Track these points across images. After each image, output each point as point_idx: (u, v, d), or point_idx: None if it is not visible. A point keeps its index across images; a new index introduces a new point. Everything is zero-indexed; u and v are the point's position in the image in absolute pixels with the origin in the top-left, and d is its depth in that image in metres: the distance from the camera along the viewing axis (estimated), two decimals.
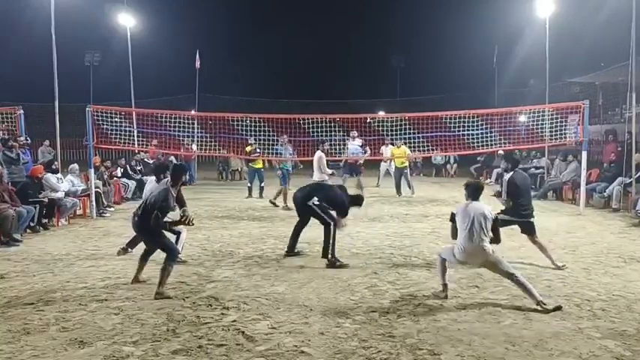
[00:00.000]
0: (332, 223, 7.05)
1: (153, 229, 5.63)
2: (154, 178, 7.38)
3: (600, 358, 4.10)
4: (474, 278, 6.26)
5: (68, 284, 6.09)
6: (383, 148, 15.89)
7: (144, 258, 6.03)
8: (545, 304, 5.09)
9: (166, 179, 5.94)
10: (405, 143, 14.37)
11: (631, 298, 5.51)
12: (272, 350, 4.23)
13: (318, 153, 11.33)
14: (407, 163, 15.09)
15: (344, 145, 15.11)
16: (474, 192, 5.62)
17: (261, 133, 14.36)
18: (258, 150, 14.26)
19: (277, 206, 12.20)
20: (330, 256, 6.89)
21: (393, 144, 15.15)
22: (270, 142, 14.46)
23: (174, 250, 5.85)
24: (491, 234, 5.38)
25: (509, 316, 4.97)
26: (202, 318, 4.93)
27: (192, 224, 5.86)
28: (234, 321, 4.86)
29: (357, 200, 7.64)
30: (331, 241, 6.94)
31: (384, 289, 5.87)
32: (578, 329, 4.64)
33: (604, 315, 5.00)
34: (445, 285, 5.59)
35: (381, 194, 14.62)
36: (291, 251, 7.49)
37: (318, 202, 7.16)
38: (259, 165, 14.54)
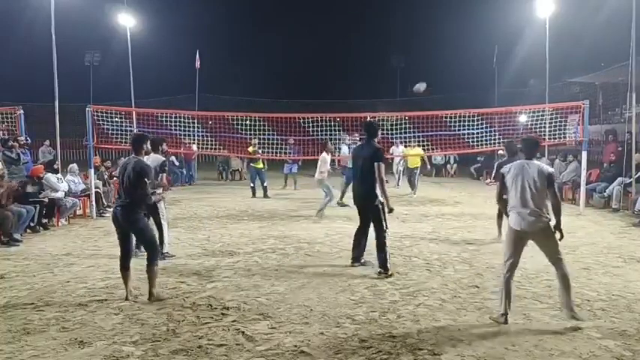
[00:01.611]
0: (386, 230, 6.55)
1: (139, 216, 5.37)
2: (151, 154, 7.39)
3: (600, 358, 4.10)
4: (473, 278, 6.27)
5: (68, 284, 6.09)
6: (393, 148, 15.88)
7: (125, 267, 5.52)
8: (577, 317, 4.70)
9: (130, 156, 5.63)
10: (407, 142, 14.44)
11: (631, 298, 5.51)
12: (272, 350, 4.22)
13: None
14: (419, 164, 15.20)
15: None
16: (529, 148, 4.95)
17: (262, 132, 14.40)
18: (259, 150, 14.30)
19: (347, 205, 11.09)
20: (388, 264, 6.43)
21: (405, 144, 15.21)
22: (271, 142, 14.51)
23: (157, 246, 5.69)
24: (549, 197, 4.73)
25: (510, 316, 4.97)
26: (202, 318, 4.93)
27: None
28: (234, 321, 4.86)
29: (374, 131, 6.86)
30: (388, 249, 6.50)
31: (384, 289, 5.87)
32: (578, 329, 4.63)
33: (604, 315, 5.00)
34: (506, 314, 4.78)
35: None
36: (357, 261, 6.87)
37: (382, 201, 6.53)
38: (260, 165, 14.56)
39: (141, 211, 5.47)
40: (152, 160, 7.19)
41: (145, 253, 5.65)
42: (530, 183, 4.73)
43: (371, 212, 6.65)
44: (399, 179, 16.99)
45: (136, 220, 5.42)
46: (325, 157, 11.18)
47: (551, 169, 4.87)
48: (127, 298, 5.46)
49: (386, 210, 6.56)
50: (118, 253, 7.50)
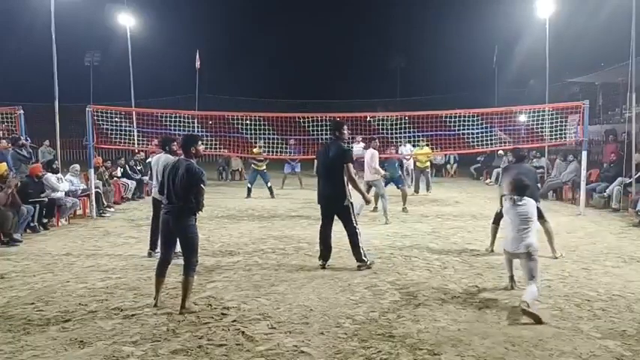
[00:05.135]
0: (357, 227, 6.78)
1: (191, 222, 5.13)
2: (162, 154, 7.35)
3: (600, 358, 4.09)
4: (474, 278, 6.27)
5: (68, 284, 6.09)
6: (401, 148, 15.81)
7: (161, 273, 5.31)
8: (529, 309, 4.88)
9: (179, 157, 5.43)
10: (410, 141, 14.50)
11: (631, 298, 5.51)
12: (272, 350, 4.22)
13: (371, 150, 10.48)
14: (428, 163, 15.34)
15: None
16: (519, 189, 5.62)
17: (262, 132, 14.40)
18: (264, 153, 14.33)
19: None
20: (364, 257, 6.71)
21: (414, 144, 15.29)
22: (271, 141, 14.50)
23: (197, 256, 5.28)
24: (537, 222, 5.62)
25: (510, 316, 4.97)
26: (202, 318, 4.93)
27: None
28: (234, 321, 4.86)
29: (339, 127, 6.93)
30: (361, 244, 6.75)
31: (384, 289, 5.87)
32: (578, 329, 4.63)
33: (604, 315, 5.00)
34: (511, 277, 5.78)
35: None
36: (326, 260, 6.88)
37: (351, 201, 6.73)
38: (263, 167, 14.58)
39: (194, 217, 5.20)
40: (163, 160, 7.18)
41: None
42: (518, 220, 5.45)
43: (340, 213, 6.76)
44: (412, 180, 16.67)
45: (187, 227, 5.12)
46: (374, 153, 10.42)
47: (536, 207, 5.64)
48: (155, 305, 5.24)
49: (355, 208, 6.82)
50: (118, 253, 7.56)
